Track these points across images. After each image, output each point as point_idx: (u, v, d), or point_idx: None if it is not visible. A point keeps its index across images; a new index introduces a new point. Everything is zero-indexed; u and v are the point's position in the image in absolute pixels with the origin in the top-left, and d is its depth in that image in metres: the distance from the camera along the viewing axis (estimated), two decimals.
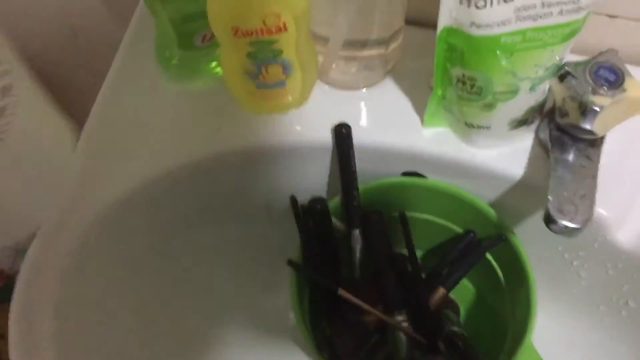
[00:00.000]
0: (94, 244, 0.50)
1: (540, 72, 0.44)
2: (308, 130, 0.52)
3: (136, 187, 0.51)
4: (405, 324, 0.54)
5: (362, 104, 0.53)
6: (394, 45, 0.51)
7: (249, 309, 0.65)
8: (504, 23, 0.40)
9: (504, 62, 0.42)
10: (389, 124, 0.52)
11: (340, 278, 0.56)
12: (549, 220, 0.43)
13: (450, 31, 0.42)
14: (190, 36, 0.49)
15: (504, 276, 0.55)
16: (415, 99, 0.53)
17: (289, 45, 0.45)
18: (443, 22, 0.41)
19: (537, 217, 0.52)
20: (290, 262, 0.50)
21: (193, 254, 0.61)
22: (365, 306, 0.54)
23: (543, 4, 0.39)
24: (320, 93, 0.53)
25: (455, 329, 0.54)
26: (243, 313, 0.65)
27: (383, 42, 0.49)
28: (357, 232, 0.53)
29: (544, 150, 0.51)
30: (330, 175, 0.56)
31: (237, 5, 0.41)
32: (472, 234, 0.55)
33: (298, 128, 0.52)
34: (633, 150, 0.50)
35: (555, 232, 0.43)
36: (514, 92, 0.45)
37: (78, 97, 0.61)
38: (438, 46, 0.43)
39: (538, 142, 0.51)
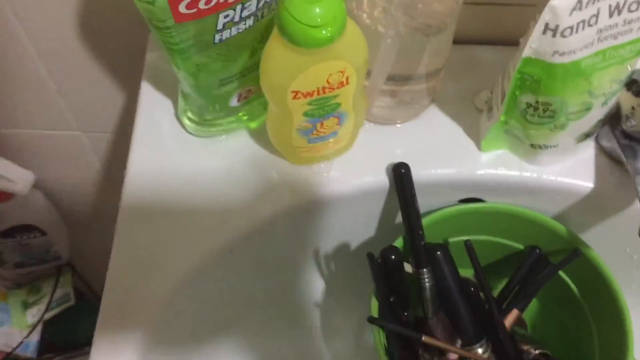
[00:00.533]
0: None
1: (615, 87, 0.41)
2: (356, 176, 0.49)
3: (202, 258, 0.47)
4: (486, 355, 0.52)
5: (410, 136, 0.50)
6: (438, 78, 0.47)
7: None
8: (586, 47, 0.37)
9: (582, 84, 0.40)
10: (441, 153, 0.50)
11: (413, 320, 0.53)
12: None
13: (527, 61, 0.39)
14: (226, 98, 0.45)
15: (577, 288, 0.53)
16: (463, 123, 0.51)
17: (348, 97, 0.41)
18: (523, 54, 0.38)
19: (604, 226, 0.51)
20: (371, 320, 0.47)
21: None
22: (451, 348, 0.51)
23: (625, 22, 0.37)
24: (363, 131, 0.50)
25: (538, 349, 0.52)
26: None
27: (434, 74, 0.46)
28: (426, 271, 0.50)
29: (607, 158, 0.49)
30: (384, 215, 0.53)
31: (299, 70, 0.37)
32: (537, 250, 0.53)
33: (343, 174, 0.49)
34: None
35: None
36: (587, 109, 0.42)
37: None
38: (514, 76, 0.41)
39: (600, 150, 0.49)
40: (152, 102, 0.51)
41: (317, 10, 0.33)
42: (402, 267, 0.48)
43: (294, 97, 0.39)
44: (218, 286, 0.50)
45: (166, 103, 0.51)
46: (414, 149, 0.50)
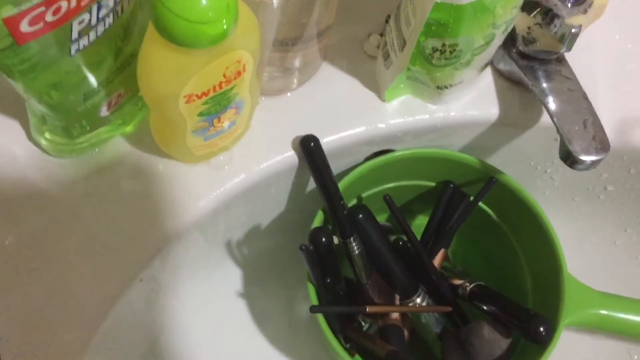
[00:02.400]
0: None
1: (515, 12, 0.39)
2: (261, 159, 0.44)
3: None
4: (424, 303, 0.51)
5: (307, 103, 0.45)
6: (329, 34, 0.42)
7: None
8: None
9: (487, 18, 0.37)
10: (344, 113, 0.46)
11: (347, 289, 0.50)
12: (573, 162, 0.41)
13: (437, 7, 0.35)
14: (93, 111, 0.37)
15: (496, 214, 0.53)
16: (358, 75, 0.47)
17: (244, 83, 0.35)
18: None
19: (509, 148, 0.51)
20: (314, 309, 0.44)
21: None
22: (393, 308, 0.50)
23: None
24: (257, 109, 0.44)
25: (471, 282, 0.52)
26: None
27: (321, 34, 0.41)
28: (352, 240, 0.47)
29: (506, 81, 0.48)
30: (295, 189, 0.49)
31: (191, 73, 0.30)
32: (451, 185, 0.52)
33: (246, 161, 0.43)
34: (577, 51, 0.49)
35: (580, 170, 0.42)
36: (490, 41, 0.40)
37: None
38: (423, 25, 0.37)
39: (498, 74, 0.48)
40: None
41: (204, 1, 0.27)
42: (333, 245, 0.45)
43: (188, 102, 0.32)
44: (134, 314, 0.44)
45: (11, 124, 0.42)
46: (315, 115, 0.45)
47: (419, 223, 0.55)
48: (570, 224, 0.59)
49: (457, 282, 0.52)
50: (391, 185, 0.52)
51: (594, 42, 0.49)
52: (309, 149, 0.43)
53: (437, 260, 0.53)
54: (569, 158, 0.41)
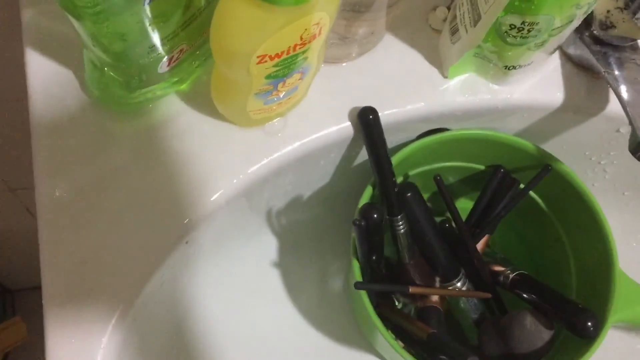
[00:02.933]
0: None
1: None
2: (316, 128, 0.42)
3: None
4: (464, 287, 0.50)
5: (366, 74, 0.44)
6: (400, 3, 0.40)
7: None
8: None
9: None
10: (403, 87, 0.44)
11: (391, 269, 0.49)
12: None
13: None
14: (154, 65, 0.35)
15: (545, 203, 0.51)
16: (421, 48, 0.45)
17: (316, 48, 0.33)
18: None
19: (566, 134, 0.49)
20: (359, 285, 0.43)
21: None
22: (435, 291, 0.49)
23: None
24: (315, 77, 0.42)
25: (513, 271, 0.51)
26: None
27: (392, 5, 0.39)
28: (399, 218, 0.46)
29: (574, 66, 0.46)
30: (344, 163, 0.47)
31: (271, 32, 0.28)
32: (501, 169, 0.50)
33: (301, 129, 0.42)
34: None
35: None
36: (569, 22, 0.38)
37: None
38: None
39: (566, 58, 0.46)
40: (45, 76, 0.40)
41: None
42: (382, 223, 0.44)
43: (260, 62, 0.31)
44: (174, 278, 0.43)
45: (65, 73, 0.41)
46: (373, 87, 0.44)
47: (464, 207, 0.54)
48: (617, 218, 0.57)
49: (499, 269, 0.50)
50: (440, 165, 0.51)
51: None
52: (367, 122, 0.42)
53: (479, 246, 0.51)
54: (638, 150, 0.39)
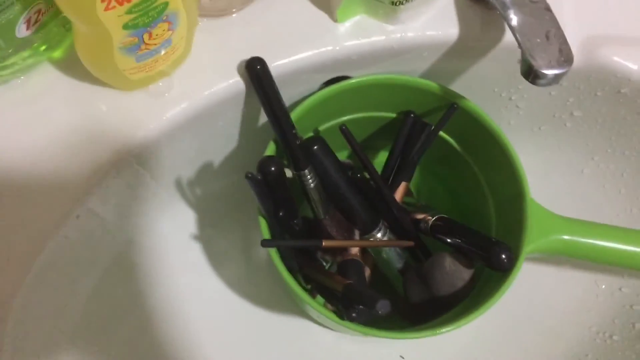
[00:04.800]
0: None
1: None
2: (204, 86, 0.41)
3: None
4: (385, 237, 0.49)
5: (253, 25, 0.42)
6: None
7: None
8: None
9: None
10: (294, 35, 0.42)
11: (301, 223, 0.48)
12: (535, 76, 0.38)
13: None
14: (10, 28, 0.33)
15: (458, 143, 0.51)
16: None
17: None
18: None
19: (472, 72, 0.49)
20: (265, 243, 0.41)
21: None
22: (350, 243, 0.48)
23: None
24: (198, 32, 0.40)
25: (434, 215, 0.50)
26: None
27: None
28: (307, 172, 0.45)
29: None
30: (245, 120, 0.46)
31: None
32: (412, 115, 0.49)
33: (188, 88, 0.40)
34: None
35: (543, 85, 0.39)
36: None
37: None
38: None
39: None
40: None
41: None
42: (284, 176, 0.42)
43: (107, 8, 0.29)
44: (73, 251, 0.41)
45: None
46: (262, 37, 0.42)
47: (382, 160, 0.53)
48: (537, 155, 0.57)
49: (420, 216, 0.50)
50: (349, 117, 0.50)
51: None
52: (256, 72, 0.40)
53: (398, 194, 0.50)
54: (530, 73, 0.38)
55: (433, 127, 0.48)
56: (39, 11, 0.34)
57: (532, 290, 0.54)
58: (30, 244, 0.36)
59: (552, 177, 0.57)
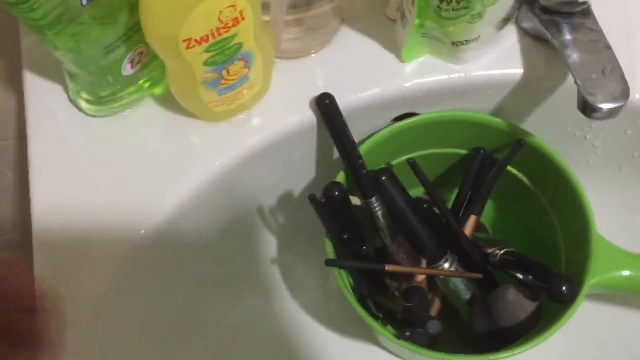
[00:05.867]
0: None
1: None
2: (280, 119, 0.45)
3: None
4: (453, 269, 0.50)
5: (327, 65, 0.47)
6: None
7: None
8: None
9: None
10: (363, 74, 0.46)
11: (373, 252, 0.51)
12: (590, 110, 0.40)
13: None
14: (116, 67, 0.40)
15: (529, 179, 0.52)
16: (379, 38, 0.47)
17: (247, 33, 0.37)
18: None
19: (542, 109, 0.50)
20: (328, 262, 0.45)
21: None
22: (413, 269, 0.50)
23: None
24: (277, 72, 0.46)
25: (503, 249, 0.51)
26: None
27: None
28: (374, 200, 0.48)
29: (531, 39, 0.47)
30: (320, 153, 0.50)
31: (185, 13, 0.32)
32: (482, 151, 0.51)
33: (266, 121, 0.45)
34: (613, 3, 0.47)
35: (598, 119, 0.40)
36: None
37: None
38: None
39: (523, 32, 0.47)
40: (39, 92, 0.46)
41: None
42: (348, 201, 0.46)
43: (188, 47, 0.35)
44: (165, 266, 0.47)
45: (56, 88, 0.46)
46: (335, 76, 0.46)
47: (452, 197, 0.54)
48: (619, 196, 0.56)
49: (490, 250, 0.51)
50: (419, 153, 0.52)
51: None
52: (325, 106, 0.44)
53: (468, 228, 0.52)
54: (586, 107, 0.40)
55: (500, 162, 0.49)
56: (141, 53, 0.41)
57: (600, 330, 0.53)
58: (121, 255, 0.42)
59: (635, 218, 0.56)
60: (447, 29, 0.42)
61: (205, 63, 0.37)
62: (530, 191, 0.52)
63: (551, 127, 0.51)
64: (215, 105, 0.42)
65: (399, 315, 0.46)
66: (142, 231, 0.42)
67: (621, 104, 0.39)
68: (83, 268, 0.41)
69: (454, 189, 0.57)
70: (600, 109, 0.39)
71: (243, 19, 0.35)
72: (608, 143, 0.52)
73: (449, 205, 0.54)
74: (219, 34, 0.35)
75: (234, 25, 0.35)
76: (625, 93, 0.39)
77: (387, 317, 0.50)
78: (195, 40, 0.34)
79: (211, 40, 0.35)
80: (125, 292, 0.43)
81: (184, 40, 0.34)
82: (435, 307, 0.54)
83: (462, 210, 0.52)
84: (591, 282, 0.43)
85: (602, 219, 0.52)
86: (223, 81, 0.39)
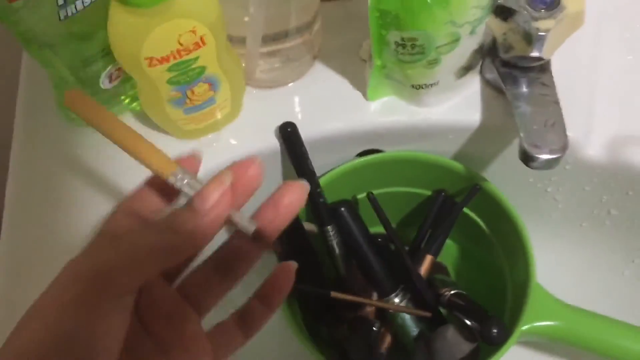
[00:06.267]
0: None
1: (478, 14, 0.41)
2: (247, 142, 0.48)
3: None
4: (403, 304, 0.52)
5: (298, 97, 0.50)
6: (316, 27, 0.47)
7: None
8: None
9: (442, 14, 0.39)
10: (331, 108, 0.49)
11: (326, 280, 0.52)
12: (527, 159, 0.41)
13: None
14: (95, 80, 0.43)
15: (486, 225, 0.53)
16: (350, 76, 0.50)
17: (210, 58, 0.40)
18: None
19: (502, 158, 0.52)
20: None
21: None
22: (363, 300, 0.51)
23: None
24: (250, 99, 0.49)
25: (452, 290, 0.52)
26: None
27: (305, 28, 0.45)
28: (330, 229, 0.50)
29: (493, 90, 0.49)
30: (284, 179, 0.52)
31: (145, 33, 0.36)
32: (442, 193, 0.53)
33: (234, 142, 0.48)
34: (577, 64, 0.49)
35: (536, 168, 0.42)
36: (455, 41, 0.42)
37: None
38: (370, 15, 0.40)
39: (485, 83, 0.49)
40: (31, 99, 0.50)
41: None
42: (303, 229, 0.48)
43: (150, 65, 0.38)
44: None
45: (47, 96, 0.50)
46: (303, 108, 0.49)
47: (412, 236, 0.56)
48: (581, 252, 0.57)
49: (442, 290, 0.52)
50: (381, 190, 0.54)
51: (599, 59, 0.50)
52: (287, 133, 0.47)
53: (424, 267, 0.53)
54: (525, 157, 0.41)
55: (456, 205, 0.51)
56: (119, 69, 0.44)
57: None
58: None
59: (594, 275, 0.57)
60: (406, 72, 0.45)
61: (169, 82, 0.40)
62: (487, 236, 0.53)
63: (513, 177, 0.52)
64: (183, 123, 0.45)
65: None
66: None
67: (558, 155, 0.41)
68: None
69: (412, 228, 0.59)
70: (538, 158, 0.41)
71: (204, 44, 0.38)
72: (568, 198, 0.54)
73: (410, 244, 0.56)
74: (180, 56, 0.38)
75: (194, 49, 0.38)
76: (564, 146, 0.41)
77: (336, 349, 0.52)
78: (157, 60, 0.37)
79: (172, 61, 0.38)
80: None
81: (145, 59, 0.37)
82: (387, 342, 0.55)
83: (418, 249, 0.54)
84: (522, 328, 0.44)
85: (560, 273, 0.53)
86: (188, 101, 0.42)
